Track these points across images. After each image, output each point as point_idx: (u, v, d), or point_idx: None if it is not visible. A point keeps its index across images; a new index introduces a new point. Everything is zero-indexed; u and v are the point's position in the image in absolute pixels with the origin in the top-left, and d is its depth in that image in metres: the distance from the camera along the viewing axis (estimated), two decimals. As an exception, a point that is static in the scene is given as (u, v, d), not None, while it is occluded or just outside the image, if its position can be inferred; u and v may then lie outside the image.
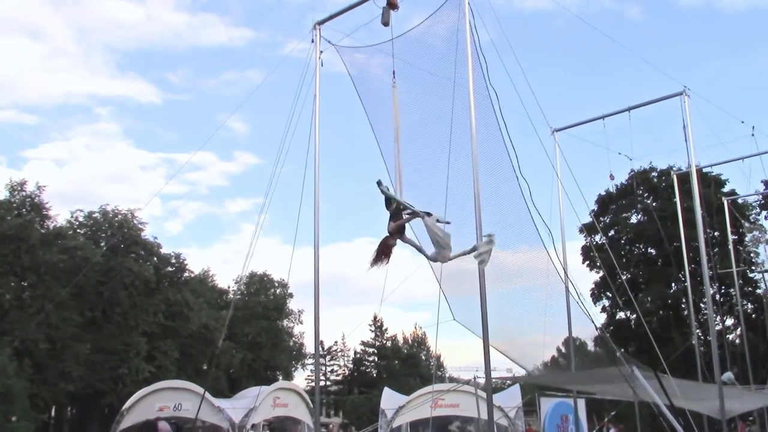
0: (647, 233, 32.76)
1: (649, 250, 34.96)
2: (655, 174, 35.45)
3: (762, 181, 30.08)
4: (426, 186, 10.28)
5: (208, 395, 25.62)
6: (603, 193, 35.99)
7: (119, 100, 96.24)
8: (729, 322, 34.03)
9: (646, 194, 35.80)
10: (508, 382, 31.39)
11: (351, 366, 64.05)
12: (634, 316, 31.11)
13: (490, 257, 8.24)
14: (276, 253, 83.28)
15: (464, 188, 9.05)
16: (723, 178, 32.50)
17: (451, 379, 53.70)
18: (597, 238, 34.39)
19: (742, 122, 17.76)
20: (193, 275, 39.80)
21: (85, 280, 29.17)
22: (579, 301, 10.21)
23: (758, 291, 32.25)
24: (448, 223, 8.50)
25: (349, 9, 10.89)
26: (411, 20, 10.58)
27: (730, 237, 25.10)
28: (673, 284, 33.67)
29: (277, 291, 48.16)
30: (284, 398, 28.86)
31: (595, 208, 35.62)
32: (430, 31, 10.21)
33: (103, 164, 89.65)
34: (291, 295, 48.41)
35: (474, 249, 8.22)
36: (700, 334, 27.34)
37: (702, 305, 29.80)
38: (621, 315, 34.21)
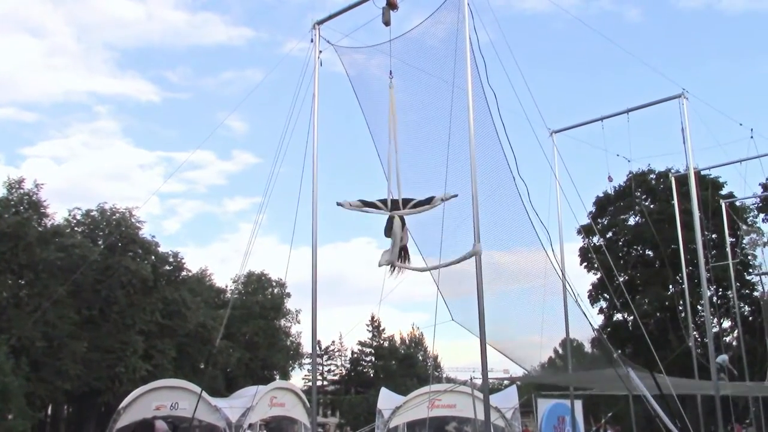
0: (645, 235, 32.79)
1: (647, 252, 35.00)
2: (653, 176, 35.50)
3: (760, 184, 30.17)
4: (424, 186, 10.28)
5: (205, 394, 25.62)
6: (601, 194, 36.05)
7: (118, 99, 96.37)
8: (726, 324, 34.13)
9: (644, 196, 35.85)
10: (505, 382, 31.44)
11: (348, 366, 64.06)
12: (632, 318, 31.13)
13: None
14: (274, 252, 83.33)
15: (462, 189, 9.05)
16: (721, 180, 32.58)
17: (448, 380, 53.81)
18: (595, 239, 34.46)
19: (741, 125, 17.80)
20: (190, 274, 39.76)
21: (83, 278, 29.13)
22: (577, 302, 10.23)
23: (755, 293, 32.32)
24: (455, 195, 8.51)
25: (348, 9, 10.89)
26: (410, 21, 10.60)
27: (728, 239, 25.14)
28: (670, 286, 33.72)
29: (275, 290, 48.09)
30: (281, 398, 28.81)
31: (593, 210, 35.66)
32: (429, 32, 10.21)
33: (101, 162, 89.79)
34: (288, 295, 48.38)
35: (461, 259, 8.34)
36: (697, 336, 27.38)
37: (699, 308, 29.83)
38: (618, 317, 34.26)
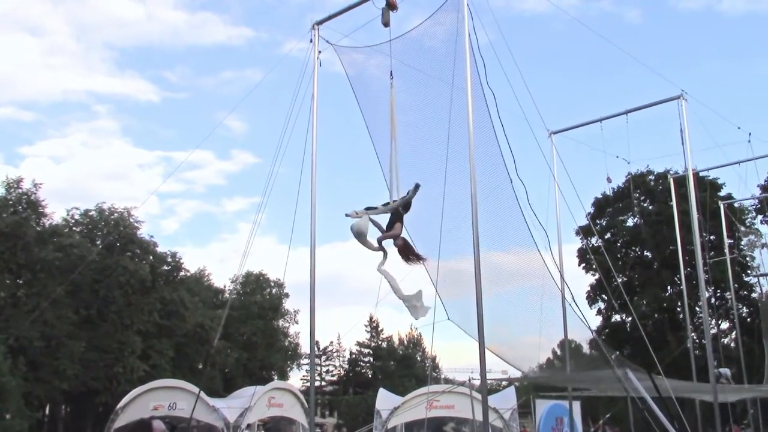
0: (643, 236, 32.82)
1: (645, 253, 35.02)
2: (651, 177, 35.51)
3: (758, 186, 30.16)
4: (422, 186, 10.27)
5: (203, 395, 25.58)
6: (600, 195, 36.04)
7: (117, 98, 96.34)
8: (724, 325, 34.17)
9: (642, 197, 35.87)
10: (503, 383, 31.45)
11: (346, 366, 64.01)
12: (630, 319, 31.16)
13: (420, 310, 8.73)
14: (272, 252, 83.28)
15: (461, 189, 9.05)
16: (719, 182, 32.61)
17: (447, 381, 53.78)
18: (593, 240, 34.45)
19: (739, 128, 17.79)
20: (189, 274, 39.72)
21: (81, 278, 29.12)
22: (573, 305, 10.23)
23: (753, 295, 32.35)
24: (418, 186, 8.77)
25: (348, 9, 10.89)
26: (410, 22, 10.60)
27: (726, 241, 25.16)
28: (668, 287, 33.74)
29: (273, 291, 48.08)
30: (279, 398, 28.79)
31: (592, 211, 35.66)
32: (429, 33, 10.21)
33: (100, 162, 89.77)
34: (287, 295, 48.35)
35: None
36: (695, 337, 27.40)
37: (697, 309, 29.85)
38: (616, 318, 34.28)
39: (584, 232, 30.77)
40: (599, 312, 35.49)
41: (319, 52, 11.20)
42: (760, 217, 33.87)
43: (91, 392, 31.66)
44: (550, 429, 25.33)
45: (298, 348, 50.24)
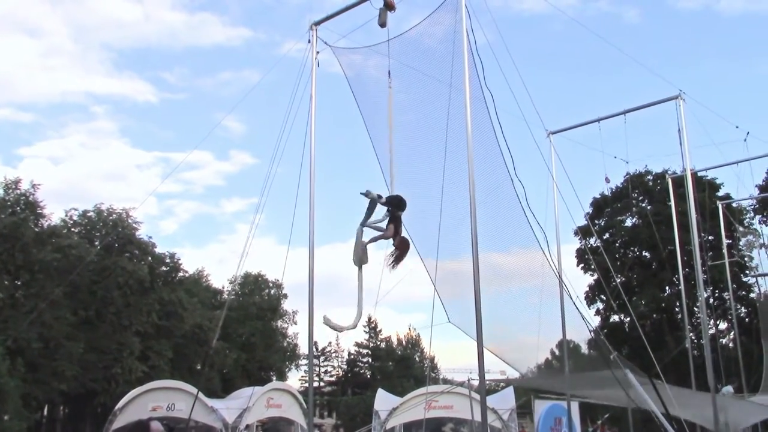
0: (642, 236, 32.86)
1: (644, 253, 35.07)
2: (650, 177, 35.57)
3: (756, 186, 30.21)
4: (421, 187, 10.28)
5: (201, 395, 25.54)
6: (598, 196, 36.12)
7: (116, 99, 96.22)
8: (723, 326, 34.22)
9: (641, 197, 35.92)
10: (501, 384, 31.42)
11: (345, 367, 64.01)
12: (628, 319, 31.20)
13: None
14: (271, 253, 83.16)
15: (460, 190, 9.04)
16: (718, 182, 32.70)
17: (445, 381, 53.69)
18: (592, 240, 34.49)
19: (737, 127, 17.81)
20: (187, 275, 39.71)
21: (79, 279, 29.09)
22: (574, 302, 10.23)
23: (752, 295, 32.40)
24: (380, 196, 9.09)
25: (346, 10, 10.87)
26: (408, 22, 10.58)
27: (725, 241, 25.18)
28: (667, 288, 33.78)
29: (272, 291, 48.08)
30: (278, 399, 28.76)
31: (590, 211, 35.73)
32: (427, 33, 10.20)
33: (98, 163, 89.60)
34: (285, 296, 48.37)
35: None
36: (693, 337, 27.44)
37: (696, 309, 29.89)
38: (615, 318, 34.32)
39: (583, 232, 30.81)
40: (598, 312, 35.58)
41: (317, 52, 11.19)
42: (758, 217, 33.96)
43: (89, 393, 31.62)
44: (549, 429, 25.34)
45: (296, 348, 50.30)
